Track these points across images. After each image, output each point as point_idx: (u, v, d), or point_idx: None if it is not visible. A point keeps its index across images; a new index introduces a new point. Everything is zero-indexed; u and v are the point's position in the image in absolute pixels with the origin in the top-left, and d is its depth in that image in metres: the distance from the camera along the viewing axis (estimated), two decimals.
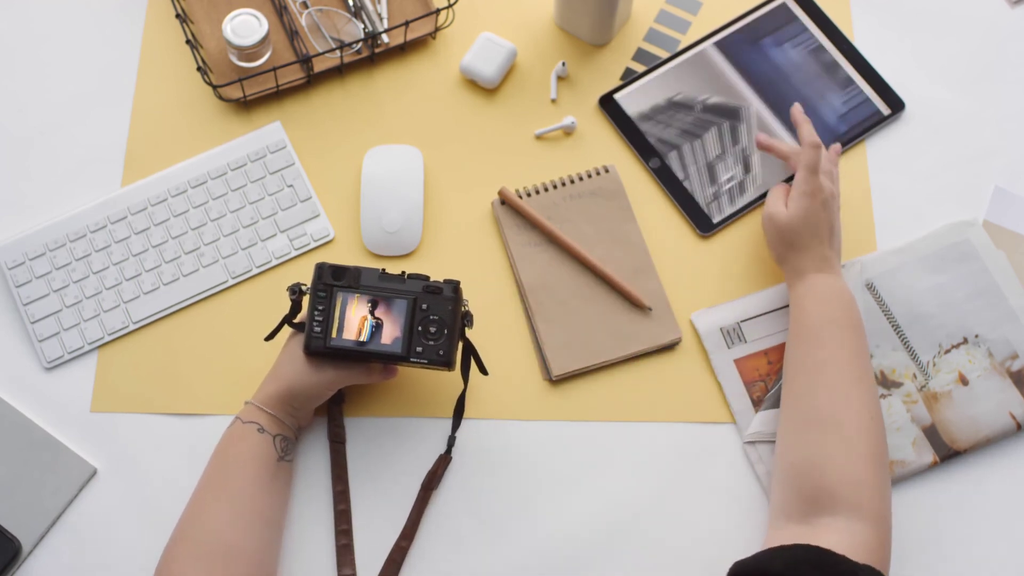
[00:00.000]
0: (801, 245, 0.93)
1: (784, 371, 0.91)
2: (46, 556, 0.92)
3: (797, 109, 0.98)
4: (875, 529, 0.81)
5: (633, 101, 1.07)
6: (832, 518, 0.81)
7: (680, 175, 1.03)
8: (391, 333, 0.87)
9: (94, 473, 0.94)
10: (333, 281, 0.88)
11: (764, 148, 1.01)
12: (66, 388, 0.97)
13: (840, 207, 0.97)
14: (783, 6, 1.11)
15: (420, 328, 0.87)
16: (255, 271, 1.01)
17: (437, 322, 0.87)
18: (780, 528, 0.84)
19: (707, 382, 0.98)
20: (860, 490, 0.82)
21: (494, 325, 1.00)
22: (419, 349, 0.87)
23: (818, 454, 0.84)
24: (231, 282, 1.00)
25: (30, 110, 1.07)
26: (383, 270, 0.89)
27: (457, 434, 0.95)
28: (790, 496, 0.85)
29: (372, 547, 0.92)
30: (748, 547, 0.92)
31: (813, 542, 0.78)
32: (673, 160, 1.05)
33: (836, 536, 0.79)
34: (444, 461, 0.94)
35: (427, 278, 0.89)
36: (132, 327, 0.99)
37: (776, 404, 0.95)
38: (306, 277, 1.01)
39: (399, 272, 0.91)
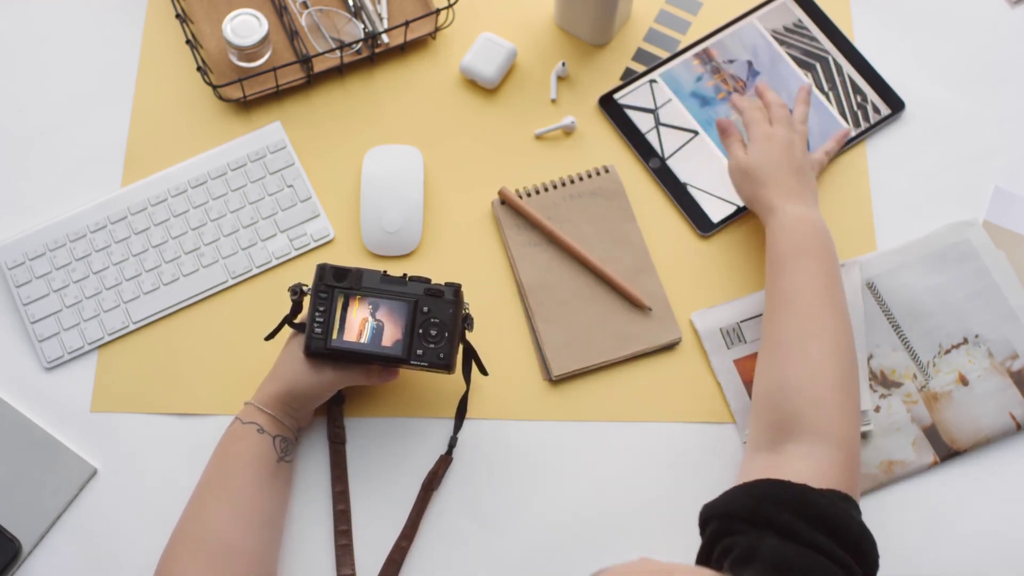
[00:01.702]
0: (764, 179, 0.95)
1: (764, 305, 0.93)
2: (46, 556, 0.92)
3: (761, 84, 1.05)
4: (840, 452, 0.81)
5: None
6: (797, 444, 0.82)
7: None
8: (392, 335, 0.87)
9: (94, 473, 0.94)
10: (335, 282, 0.88)
11: (733, 105, 1.04)
12: (66, 388, 0.97)
13: (806, 147, 1.00)
14: (783, 6, 1.11)
15: (421, 331, 0.87)
16: (255, 271, 1.01)
17: (438, 325, 0.87)
18: (751, 460, 0.85)
19: (707, 382, 0.98)
20: (824, 413, 0.82)
21: (494, 325, 1.00)
22: (420, 352, 0.87)
23: (783, 380, 0.84)
24: (231, 282, 1.00)
25: (30, 110, 1.07)
26: (385, 272, 0.89)
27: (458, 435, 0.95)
28: (760, 425, 0.85)
29: (372, 547, 0.92)
30: None
31: (779, 471, 0.78)
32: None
33: (802, 463, 0.79)
34: (445, 461, 0.94)
35: (428, 281, 0.89)
36: (132, 327, 0.99)
37: None
38: (306, 277, 1.01)
39: (400, 274, 0.91)
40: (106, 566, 0.92)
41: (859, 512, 0.78)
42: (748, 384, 0.97)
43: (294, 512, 0.93)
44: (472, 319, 0.90)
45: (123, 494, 0.94)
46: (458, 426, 0.95)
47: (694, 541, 0.93)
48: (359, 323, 0.87)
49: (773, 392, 0.85)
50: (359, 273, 0.89)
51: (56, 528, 0.93)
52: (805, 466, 0.79)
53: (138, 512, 0.93)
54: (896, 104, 1.07)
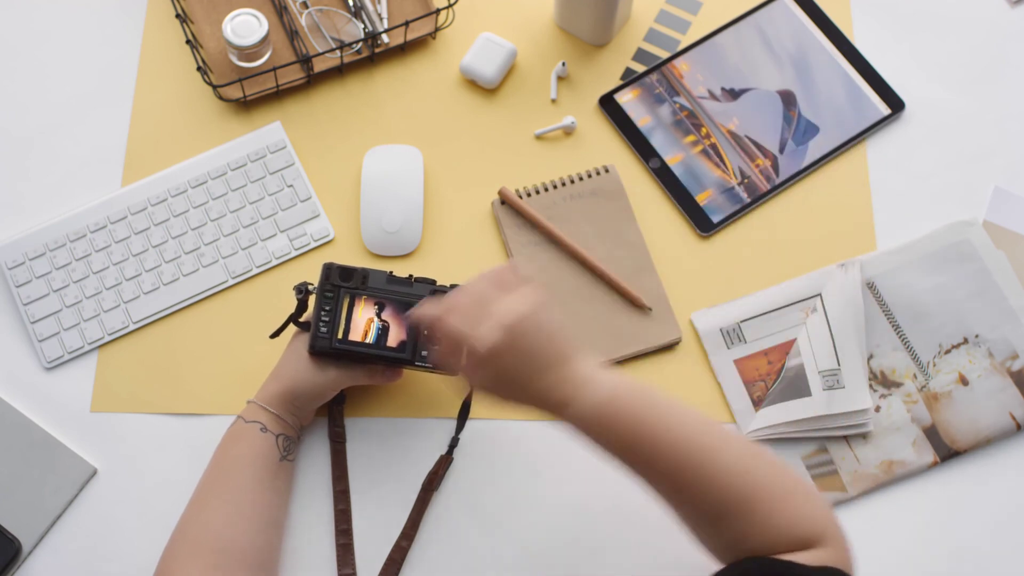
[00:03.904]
0: (522, 396, 0.76)
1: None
2: (46, 556, 0.92)
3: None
4: (827, 537, 0.74)
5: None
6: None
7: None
8: (397, 336, 0.87)
9: (94, 473, 0.94)
10: (341, 282, 0.88)
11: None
12: (66, 388, 0.97)
13: (538, 313, 0.75)
14: (783, 6, 1.11)
15: (426, 332, 0.87)
16: (255, 271, 1.01)
17: None
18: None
19: (707, 382, 0.98)
20: (789, 512, 0.73)
21: None
22: (424, 353, 0.87)
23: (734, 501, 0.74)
24: (231, 282, 1.00)
25: (30, 110, 1.06)
26: (391, 272, 0.89)
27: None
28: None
29: (372, 547, 0.92)
30: None
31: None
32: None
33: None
34: (445, 462, 0.94)
35: (434, 282, 0.89)
36: (132, 327, 0.98)
37: (776, 401, 0.95)
38: (306, 277, 1.01)
39: (406, 275, 0.91)
40: (106, 566, 0.92)
41: None
42: (748, 384, 0.97)
43: (295, 512, 0.93)
44: None
45: (123, 494, 0.94)
46: (460, 426, 0.95)
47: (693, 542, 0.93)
48: (364, 323, 0.88)
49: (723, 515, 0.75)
50: (365, 273, 0.89)
51: (56, 528, 0.93)
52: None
53: (138, 512, 0.93)
54: (896, 104, 1.08)
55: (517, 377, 0.75)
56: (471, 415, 0.96)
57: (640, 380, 0.77)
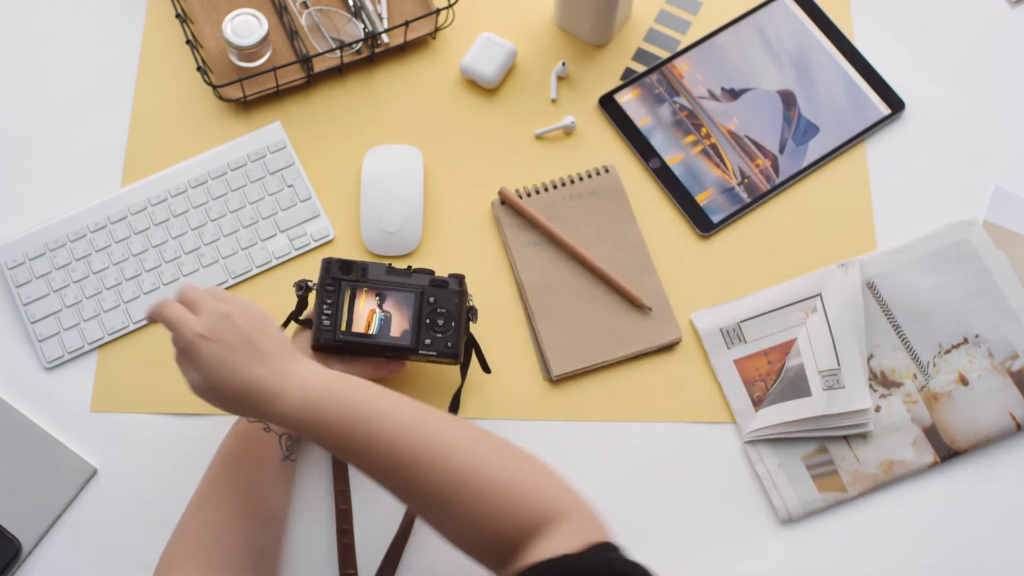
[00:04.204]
0: (237, 387, 0.76)
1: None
2: (46, 556, 0.92)
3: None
4: (572, 512, 0.73)
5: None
6: (531, 541, 0.72)
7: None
8: (400, 326, 0.88)
9: (94, 473, 0.94)
10: (341, 275, 0.89)
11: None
12: (66, 388, 0.97)
13: (240, 318, 0.78)
14: (783, 6, 1.11)
15: (428, 321, 0.88)
16: (255, 271, 1.01)
17: (444, 315, 0.88)
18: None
19: (707, 382, 0.98)
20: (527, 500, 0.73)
21: (494, 325, 1.00)
22: (427, 341, 0.88)
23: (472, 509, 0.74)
24: (231, 282, 1.00)
25: (30, 110, 1.06)
26: (390, 265, 0.89)
27: None
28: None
29: (372, 547, 0.92)
30: (748, 547, 0.92)
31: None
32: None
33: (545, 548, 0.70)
34: None
35: (432, 272, 0.89)
36: (132, 327, 0.98)
37: (776, 401, 0.95)
38: (306, 277, 1.01)
39: (405, 267, 0.91)
40: (106, 566, 0.92)
41: (621, 549, 0.71)
42: (748, 384, 0.97)
43: (295, 511, 0.93)
44: (476, 310, 0.90)
45: (123, 494, 0.94)
46: None
47: (693, 541, 0.93)
48: (367, 315, 0.88)
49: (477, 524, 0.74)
50: (364, 266, 0.89)
51: (56, 528, 0.93)
52: (551, 547, 0.70)
53: (138, 512, 0.93)
54: (896, 104, 1.08)
55: (230, 363, 0.76)
56: (471, 415, 0.96)
57: (357, 378, 0.79)
